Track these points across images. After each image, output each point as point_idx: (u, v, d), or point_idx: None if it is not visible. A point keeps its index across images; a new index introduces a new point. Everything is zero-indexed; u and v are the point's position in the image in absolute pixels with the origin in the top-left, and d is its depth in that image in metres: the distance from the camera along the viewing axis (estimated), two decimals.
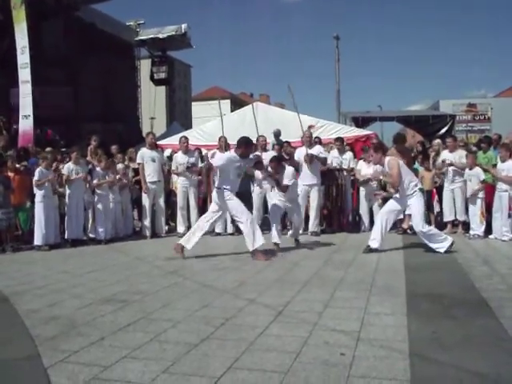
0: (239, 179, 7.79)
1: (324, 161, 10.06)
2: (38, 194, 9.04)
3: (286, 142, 11.33)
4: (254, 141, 10.74)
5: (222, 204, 7.58)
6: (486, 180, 9.23)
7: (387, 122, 24.13)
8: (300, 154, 10.11)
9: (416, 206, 7.51)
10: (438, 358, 3.19)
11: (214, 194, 7.67)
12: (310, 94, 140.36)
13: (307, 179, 9.97)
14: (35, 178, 9.00)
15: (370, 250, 7.63)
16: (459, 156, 9.71)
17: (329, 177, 10.48)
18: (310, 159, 9.75)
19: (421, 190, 7.70)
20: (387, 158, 7.71)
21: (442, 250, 7.35)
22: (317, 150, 10.14)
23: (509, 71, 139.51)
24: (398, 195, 7.74)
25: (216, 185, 7.80)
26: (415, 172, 9.91)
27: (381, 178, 8.78)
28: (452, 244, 7.45)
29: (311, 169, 9.90)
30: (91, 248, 9.18)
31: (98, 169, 9.95)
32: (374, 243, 7.65)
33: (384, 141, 16.08)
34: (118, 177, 10.34)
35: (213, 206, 7.74)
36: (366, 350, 3.36)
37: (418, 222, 7.46)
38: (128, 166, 11.16)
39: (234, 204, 7.55)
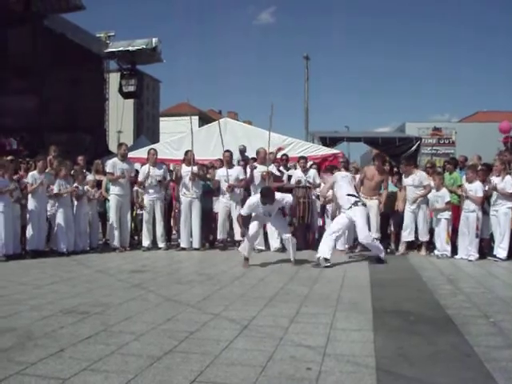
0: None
1: (277, 177, 10.11)
2: None
3: (252, 158, 11.36)
4: (220, 156, 10.81)
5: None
6: (452, 201, 9.39)
7: (354, 142, 24.38)
8: (259, 171, 10.28)
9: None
10: (404, 374, 3.16)
11: None
12: (278, 113, 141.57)
13: None
14: None
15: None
16: (417, 179, 9.76)
17: (295, 194, 10.45)
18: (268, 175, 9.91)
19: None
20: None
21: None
22: (271, 168, 10.31)
23: (471, 99, 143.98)
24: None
25: None
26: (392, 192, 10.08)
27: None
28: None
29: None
30: (52, 260, 8.93)
31: (58, 178, 9.69)
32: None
33: (350, 161, 16.18)
34: (86, 188, 10.13)
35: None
36: (332, 365, 3.31)
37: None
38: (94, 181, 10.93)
39: None
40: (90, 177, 10.73)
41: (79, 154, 11.60)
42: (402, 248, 9.78)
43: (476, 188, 8.96)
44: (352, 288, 6.20)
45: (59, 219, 9.46)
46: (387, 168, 10.78)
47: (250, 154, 11.92)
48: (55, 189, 9.46)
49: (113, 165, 10.35)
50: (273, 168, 10.45)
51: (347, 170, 10.97)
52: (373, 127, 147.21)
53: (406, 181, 9.90)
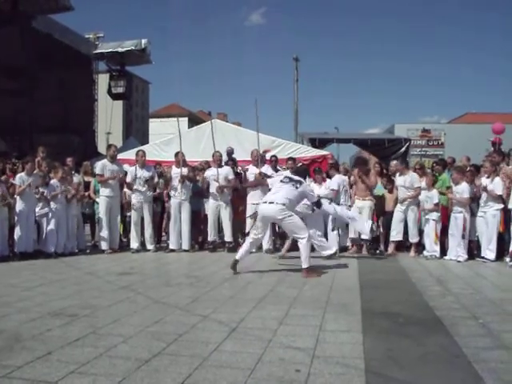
0: None
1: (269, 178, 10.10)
2: None
3: (232, 159, 11.45)
4: (210, 157, 10.82)
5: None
6: (441, 202, 9.42)
7: (344, 143, 24.41)
8: (251, 172, 10.38)
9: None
10: (393, 376, 3.16)
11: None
12: (268, 114, 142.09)
13: (256, 198, 9.82)
14: None
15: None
16: (408, 180, 9.80)
17: None
18: (261, 176, 9.83)
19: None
20: None
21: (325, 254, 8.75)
22: (264, 169, 10.41)
23: (461, 100, 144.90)
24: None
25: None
26: (376, 194, 10.12)
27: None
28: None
29: (261, 188, 9.80)
30: (41, 262, 8.86)
31: (52, 181, 9.64)
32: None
33: (340, 162, 16.18)
34: (72, 191, 10.06)
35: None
36: (321, 367, 3.31)
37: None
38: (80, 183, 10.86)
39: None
40: (75, 178, 10.64)
41: (68, 156, 11.52)
42: (390, 248, 9.81)
43: (463, 189, 8.99)
44: (341, 290, 6.19)
45: (52, 220, 9.40)
46: (377, 166, 10.88)
47: (239, 155, 11.89)
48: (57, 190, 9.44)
49: (102, 166, 10.29)
50: (267, 169, 10.48)
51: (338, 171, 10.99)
52: (362, 128, 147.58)
53: (398, 180, 9.95)
